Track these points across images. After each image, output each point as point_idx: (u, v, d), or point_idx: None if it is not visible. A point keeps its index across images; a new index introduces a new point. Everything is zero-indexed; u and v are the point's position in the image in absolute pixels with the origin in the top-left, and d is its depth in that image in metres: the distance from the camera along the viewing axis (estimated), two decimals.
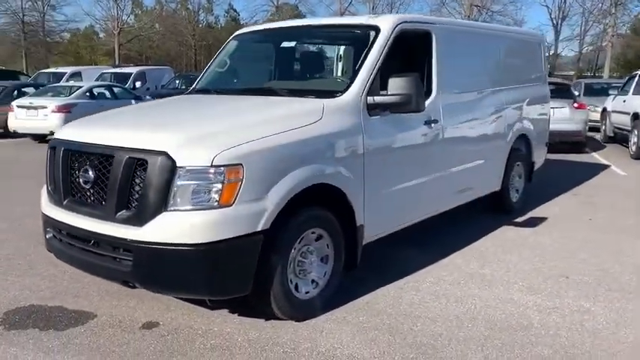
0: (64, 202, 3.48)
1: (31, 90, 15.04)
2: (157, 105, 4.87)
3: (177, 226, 3.01)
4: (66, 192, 3.48)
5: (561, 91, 11.29)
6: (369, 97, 3.90)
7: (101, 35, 54.54)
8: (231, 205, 3.04)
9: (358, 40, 4.15)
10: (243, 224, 3.08)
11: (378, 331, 3.45)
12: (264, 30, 4.98)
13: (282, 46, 4.66)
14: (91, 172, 3.30)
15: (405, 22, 4.32)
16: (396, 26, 4.21)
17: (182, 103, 4.27)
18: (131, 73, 19.64)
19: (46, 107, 12.40)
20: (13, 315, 3.67)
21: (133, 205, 3.11)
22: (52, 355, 3.15)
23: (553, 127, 10.40)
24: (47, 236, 3.68)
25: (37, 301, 3.87)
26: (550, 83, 12.95)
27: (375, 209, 4.03)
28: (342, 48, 4.39)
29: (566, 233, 5.56)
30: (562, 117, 10.73)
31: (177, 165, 3.01)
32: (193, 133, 3.21)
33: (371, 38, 4.12)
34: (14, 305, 3.82)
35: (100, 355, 3.15)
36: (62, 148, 3.52)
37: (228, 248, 3.05)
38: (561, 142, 10.83)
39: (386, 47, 4.11)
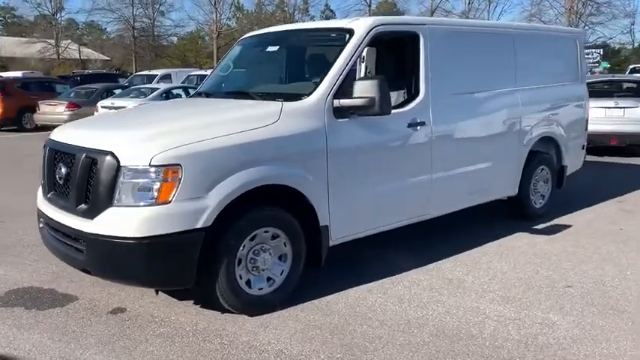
0: (48, 196, 3.89)
1: (119, 92, 16.33)
2: (139, 108, 5.24)
3: (120, 221, 3.28)
4: (50, 186, 3.88)
5: (634, 90, 10.45)
6: (335, 100, 3.96)
7: (206, 39, 57.58)
8: (170, 203, 3.26)
9: (335, 43, 4.21)
10: (182, 221, 3.29)
11: (321, 330, 3.52)
12: (259, 35, 5.17)
13: (267, 50, 4.84)
14: (63, 169, 3.68)
15: (382, 24, 4.31)
16: (371, 29, 4.22)
17: (159, 107, 4.60)
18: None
19: (125, 107, 13.44)
20: (12, 294, 4.15)
21: (89, 199, 3.43)
22: (22, 331, 3.55)
23: (621, 128, 9.83)
24: (39, 226, 4.12)
25: (36, 284, 4.34)
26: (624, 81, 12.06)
27: (343, 211, 4.08)
28: (320, 51, 4.46)
29: (583, 242, 5.24)
30: (634, 118, 9.92)
31: (121, 164, 3.28)
32: (139, 135, 3.48)
33: (345, 41, 4.17)
34: (17, 286, 4.31)
35: (61, 333, 3.50)
36: (48, 147, 3.93)
37: (167, 243, 3.28)
38: (631, 144, 10.04)
39: (358, 50, 4.14)
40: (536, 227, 5.73)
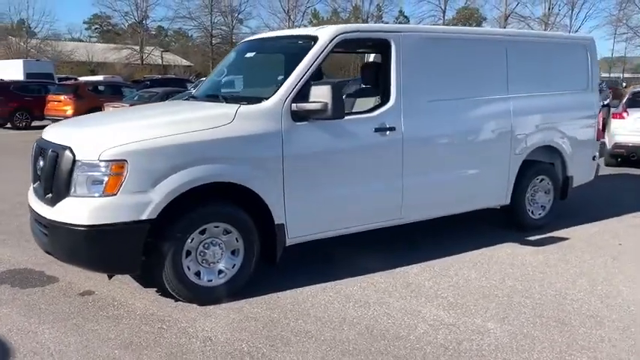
0: (34, 186, 4.32)
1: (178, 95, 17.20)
2: (121, 109, 5.62)
3: (74, 209, 3.62)
4: (34, 178, 4.32)
5: None
6: (293, 104, 4.13)
7: None
8: (115, 195, 3.57)
9: (301, 50, 4.37)
10: (127, 212, 3.58)
11: (256, 322, 3.70)
12: (247, 41, 5.42)
13: (245, 56, 5.08)
14: (41, 162, 4.08)
15: (346, 32, 4.44)
16: (335, 37, 4.36)
17: (138, 108, 4.93)
18: None
19: None
20: (7, 273, 4.62)
21: (54, 189, 3.80)
22: None
23: None
24: (29, 215, 4.57)
25: (31, 266, 4.80)
26: None
27: (300, 211, 4.23)
28: (288, 58, 4.63)
29: (570, 256, 5.07)
30: None
31: (76, 158, 3.63)
32: (95, 133, 3.83)
33: (309, 48, 4.33)
34: (14, 267, 4.79)
35: (29, 309, 3.90)
36: (35, 143, 4.37)
37: (113, 231, 3.58)
38: None
39: (320, 57, 4.29)
40: (529, 238, 5.59)
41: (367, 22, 55.56)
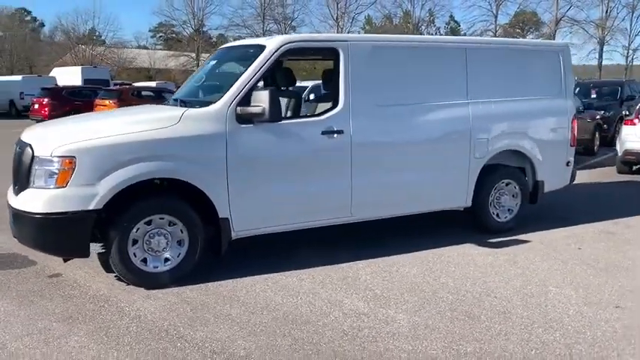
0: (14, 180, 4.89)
1: None
2: (97, 112, 6.13)
3: (32, 199, 4.13)
4: (13, 173, 4.87)
5: None
6: (238, 108, 4.51)
7: None
8: (65, 187, 4.05)
9: (251, 58, 4.75)
10: (75, 202, 4.06)
11: (188, 305, 4.09)
12: (218, 49, 5.86)
13: (211, 63, 5.50)
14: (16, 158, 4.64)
15: (292, 42, 4.78)
16: (281, 46, 4.71)
17: (111, 111, 5.42)
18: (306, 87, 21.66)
19: None
20: None
21: (18, 181, 4.33)
22: None
23: None
24: None
25: (17, 251, 5.35)
26: None
27: (245, 207, 4.59)
28: (240, 65, 4.98)
29: (519, 258, 5.17)
30: None
31: (35, 154, 4.14)
32: (53, 132, 4.35)
33: (257, 56, 4.70)
34: (5, 251, 5.37)
35: None
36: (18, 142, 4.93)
37: (63, 219, 4.06)
38: None
39: (265, 64, 4.65)
40: (490, 240, 5.71)
41: (419, 27, 55.36)
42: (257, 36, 52.53)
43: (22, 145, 4.35)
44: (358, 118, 4.97)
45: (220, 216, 4.52)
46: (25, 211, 4.14)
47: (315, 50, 5.13)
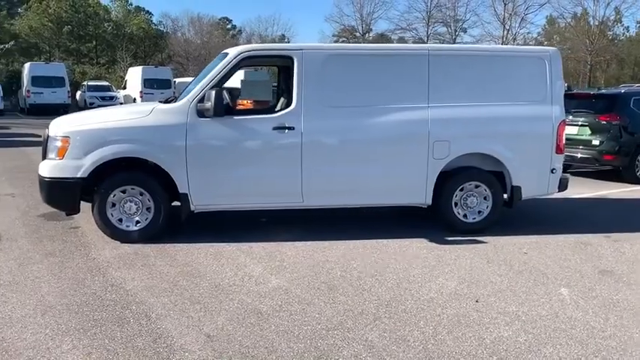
0: None
1: None
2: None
3: (44, 167, 5.65)
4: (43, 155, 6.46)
5: None
6: (199, 104, 5.57)
7: None
8: (62, 159, 5.49)
9: (218, 62, 5.79)
10: (68, 171, 5.48)
11: (136, 256, 5.25)
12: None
13: (206, 67, 6.60)
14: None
15: (249, 50, 5.70)
16: (239, 54, 5.66)
17: (115, 106, 6.74)
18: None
19: None
20: (45, 213, 6.94)
21: (43, 154, 5.89)
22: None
23: None
24: None
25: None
26: None
27: (201, 185, 5.64)
28: (211, 68, 5.98)
29: (454, 255, 5.40)
30: None
31: (49, 134, 5.66)
32: (63, 120, 5.80)
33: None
34: (34, 213, 7.05)
35: (34, 229, 6.07)
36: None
37: (59, 182, 5.52)
38: None
39: (225, 69, 5.64)
40: (447, 238, 5.98)
41: (601, 28, 50.70)
42: (421, 39, 52.85)
43: (47, 129, 5.92)
44: (309, 117, 5.70)
45: (180, 191, 5.63)
46: (40, 176, 5.69)
47: (271, 58, 5.96)
